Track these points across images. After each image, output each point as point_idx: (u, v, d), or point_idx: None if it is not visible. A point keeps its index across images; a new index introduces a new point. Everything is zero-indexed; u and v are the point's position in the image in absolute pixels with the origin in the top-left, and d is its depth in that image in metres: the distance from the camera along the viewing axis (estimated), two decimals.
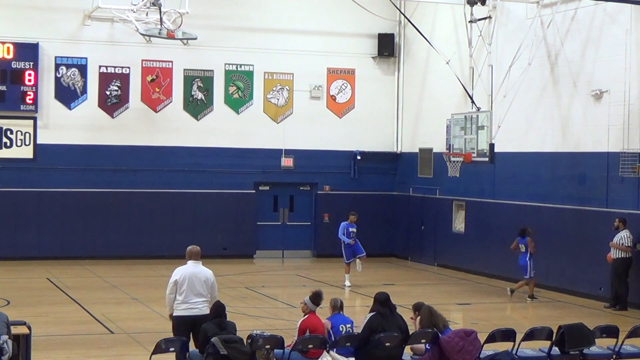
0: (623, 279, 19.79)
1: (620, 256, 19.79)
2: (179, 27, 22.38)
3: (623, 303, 19.72)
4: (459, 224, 26.76)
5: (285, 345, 11.80)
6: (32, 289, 21.69)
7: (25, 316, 14.66)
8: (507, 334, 12.62)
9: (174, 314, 12.32)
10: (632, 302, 19.92)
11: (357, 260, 23.23)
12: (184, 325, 12.15)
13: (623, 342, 13.10)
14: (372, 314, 12.12)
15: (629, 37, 20.49)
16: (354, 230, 23.30)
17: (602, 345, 13.24)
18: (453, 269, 26.43)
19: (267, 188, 28.97)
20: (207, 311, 12.18)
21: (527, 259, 21.13)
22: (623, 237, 19.77)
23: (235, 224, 28.24)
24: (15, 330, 11.78)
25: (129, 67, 27.32)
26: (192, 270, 12.34)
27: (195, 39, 23.01)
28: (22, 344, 12.00)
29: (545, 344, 12.89)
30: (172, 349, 11.61)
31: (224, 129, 28.11)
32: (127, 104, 27.35)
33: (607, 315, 19.12)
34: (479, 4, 22.57)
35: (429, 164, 28.04)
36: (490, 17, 23.50)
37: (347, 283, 23.02)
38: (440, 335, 11.94)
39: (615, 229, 19.93)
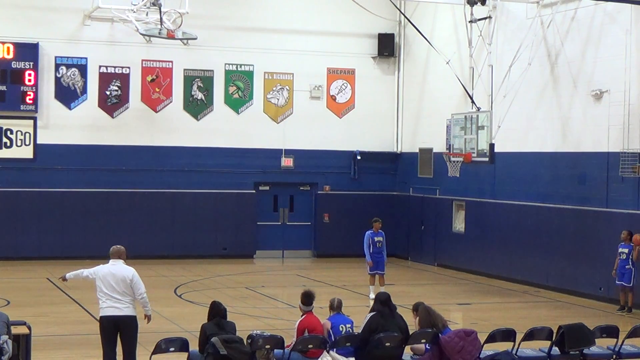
0: None
1: None
2: (179, 27, 22.36)
3: None
4: (459, 224, 26.76)
5: (285, 345, 11.79)
6: (32, 289, 21.68)
7: (25, 316, 14.62)
8: (507, 334, 12.62)
9: (100, 315, 12.16)
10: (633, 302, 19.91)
11: (377, 276, 21.01)
12: (108, 326, 11.97)
13: (623, 342, 13.09)
14: (372, 313, 12.12)
15: (629, 37, 20.49)
16: (380, 239, 20.91)
17: (602, 345, 13.23)
18: (453, 269, 26.42)
19: (267, 188, 28.96)
20: (130, 312, 12.04)
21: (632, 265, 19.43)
22: None
23: (235, 224, 28.24)
24: (15, 330, 11.78)
25: (129, 67, 27.32)
26: (109, 270, 12.19)
27: (195, 39, 23.01)
28: (22, 344, 12.01)
29: (545, 344, 12.89)
30: (172, 349, 11.61)
31: (224, 129, 28.11)
32: (127, 104, 27.35)
33: (607, 315, 19.10)
34: (479, 4, 22.57)
35: (429, 164, 28.04)
36: (490, 17, 23.51)
37: (371, 295, 20.38)
38: (440, 335, 11.94)
39: None
